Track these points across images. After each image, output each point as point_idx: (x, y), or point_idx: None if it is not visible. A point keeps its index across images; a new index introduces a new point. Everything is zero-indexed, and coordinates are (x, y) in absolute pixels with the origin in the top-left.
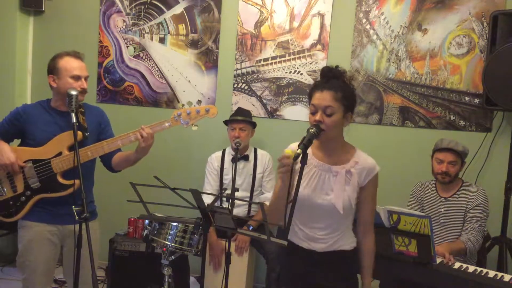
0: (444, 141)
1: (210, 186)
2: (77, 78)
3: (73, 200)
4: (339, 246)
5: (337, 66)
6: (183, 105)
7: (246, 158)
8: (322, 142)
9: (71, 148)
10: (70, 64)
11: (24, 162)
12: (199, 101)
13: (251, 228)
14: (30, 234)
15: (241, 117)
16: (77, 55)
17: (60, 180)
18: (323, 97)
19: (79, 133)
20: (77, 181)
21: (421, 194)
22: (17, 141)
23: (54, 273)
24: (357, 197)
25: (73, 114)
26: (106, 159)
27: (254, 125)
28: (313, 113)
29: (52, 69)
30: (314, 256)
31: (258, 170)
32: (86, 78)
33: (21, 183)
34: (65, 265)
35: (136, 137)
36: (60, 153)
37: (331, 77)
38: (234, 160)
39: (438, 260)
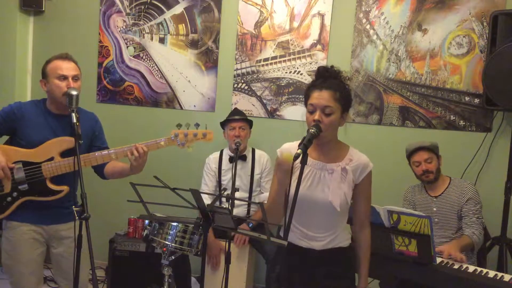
0: (411, 144)
1: (206, 187)
2: (63, 78)
3: (58, 203)
4: (337, 244)
5: (332, 66)
6: (181, 126)
7: (243, 158)
8: (319, 142)
9: (63, 154)
10: (56, 65)
11: (14, 162)
12: (197, 124)
13: (251, 225)
14: (15, 234)
15: (241, 116)
16: (64, 56)
17: (49, 185)
18: (322, 97)
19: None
20: (66, 188)
21: (412, 197)
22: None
23: (43, 272)
24: (352, 193)
25: (73, 114)
26: (99, 168)
27: (251, 125)
28: (311, 112)
29: (43, 74)
30: (313, 254)
31: (256, 171)
32: (74, 77)
33: (9, 183)
34: (55, 266)
35: (131, 153)
36: (52, 158)
37: (328, 77)
38: (233, 160)
39: (439, 260)
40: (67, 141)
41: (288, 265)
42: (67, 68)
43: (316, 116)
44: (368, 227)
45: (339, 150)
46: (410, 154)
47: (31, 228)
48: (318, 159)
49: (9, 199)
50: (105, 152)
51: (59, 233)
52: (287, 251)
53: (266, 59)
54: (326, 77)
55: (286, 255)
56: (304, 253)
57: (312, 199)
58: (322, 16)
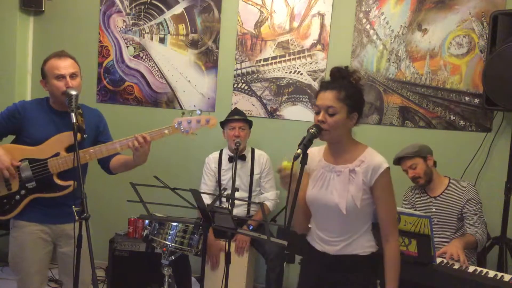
0: (396, 154)
1: (206, 186)
2: (60, 77)
3: (65, 200)
4: (352, 250)
5: (346, 67)
6: (183, 113)
7: (243, 158)
8: (330, 143)
9: (68, 149)
10: (52, 65)
11: (20, 160)
12: (200, 111)
13: (251, 228)
14: (22, 234)
15: (240, 116)
16: (61, 54)
17: (56, 180)
18: (325, 97)
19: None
20: (73, 183)
21: (412, 197)
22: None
23: (48, 271)
24: (367, 197)
25: (72, 114)
26: (104, 162)
27: (251, 125)
28: (317, 113)
29: (42, 74)
30: (327, 258)
31: (256, 171)
32: (72, 75)
33: (16, 182)
34: (61, 266)
35: (132, 144)
36: (57, 154)
37: (338, 77)
38: (233, 160)
39: (439, 260)
40: (71, 136)
41: (305, 267)
42: (64, 66)
43: (320, 116)
44: (391, 240)
45: (352, 151)
46: (397, 164)
47: (38, 228)
48: (328, 161)
49: (17, 197)
50: (109, 144)
51: (66, 232)
52: (306, 253)
53: (266, 59)
54: (336, 77)
55: (305, 257)
56: (319, 256)
57: (322, 202)
58: (322, 16)
